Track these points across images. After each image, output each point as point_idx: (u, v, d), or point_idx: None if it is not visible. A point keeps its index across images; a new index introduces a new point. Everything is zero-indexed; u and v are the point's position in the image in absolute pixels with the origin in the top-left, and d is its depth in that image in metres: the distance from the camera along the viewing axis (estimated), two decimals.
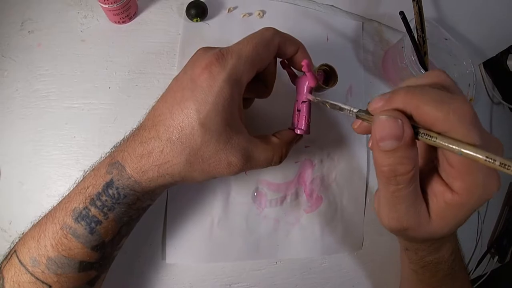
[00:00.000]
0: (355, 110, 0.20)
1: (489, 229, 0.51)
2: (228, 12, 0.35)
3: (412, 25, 0.36)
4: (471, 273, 0.49)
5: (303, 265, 0.34)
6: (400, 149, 0.16)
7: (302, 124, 0.26)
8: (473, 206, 0.18)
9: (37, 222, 0.24)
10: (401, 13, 0.33)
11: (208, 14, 0.34)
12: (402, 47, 0.36)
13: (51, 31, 0.35)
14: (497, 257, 0.51)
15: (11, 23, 0.36)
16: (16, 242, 0.24)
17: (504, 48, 0.49)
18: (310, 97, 0.26)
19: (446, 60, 0.42)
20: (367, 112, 0.19)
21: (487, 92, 0.53)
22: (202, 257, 0.31)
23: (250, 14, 0.36)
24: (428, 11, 0.41)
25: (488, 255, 0.51)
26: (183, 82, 0.22)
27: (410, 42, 0.35)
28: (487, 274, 0.52)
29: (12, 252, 0.23)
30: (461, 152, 0.15)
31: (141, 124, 0.24)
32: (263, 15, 0.36)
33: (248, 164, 0.23)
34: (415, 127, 0.17)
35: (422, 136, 0.16)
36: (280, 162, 0.25)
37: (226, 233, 0.31)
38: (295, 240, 0.33)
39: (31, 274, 0.21)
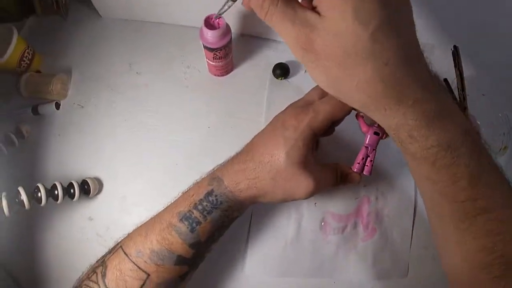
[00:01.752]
0: None
1: None
2: (305, 72, 0.43)
3: (454, 85, 0.43)
4: None
5: (355, 286, 0.39)
6: None
7: (354, 164, 0.31)
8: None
9: (144, 223, 0.30)
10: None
11: (290, 73, 0.42)
12: None
13: (158, 76, 0.43)
14: None
15: (120, 62, 0.44)
16: (121, 240, 0.30)
17: None
18: None
19: (483, 113, 0.48)
20: None
21: None
22: (275, 270, 0.37)
23: None
24: (468, 70, 0.47)
25: None
26: (276, 125, 0.29)
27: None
28: None
29: (118, 246, 0.29)
30: None
31: (239, 151, 0.31)
32: None
33: (319, 186, 0.29)
34: None
35: None
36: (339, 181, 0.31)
37: (296, 252, 0.38)
38: (352, 264, 0.39)
39: (134, 263, 0.27)
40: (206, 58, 0.39)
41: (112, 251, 0.29)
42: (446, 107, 0.21)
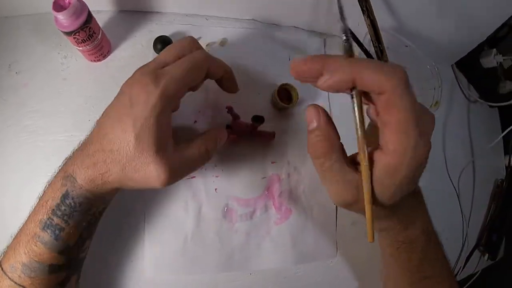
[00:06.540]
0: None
1: (475, 228, 0.51)
2: None
3: (368, 37, 0.38)
4: (460, 271, 0.49)
5: (277, 275, 0.35)
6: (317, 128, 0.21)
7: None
8: (407, 167, 0.20)
9: (15, 235, 0.28)
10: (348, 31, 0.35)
11: None
12: None
13: (36, 71, 0.38)
14: (487, 255, 0.51)
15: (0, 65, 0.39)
16: (2, 256, 0.28)
17: (474, 46, 0.49)
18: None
19: (410, 66, 0.43)
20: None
21: (462, 91, 0.54)
22: (178, 269, 0.33)
23: (213, 43, 0.38)
24: (387, 21, 0.42)
25: (478, 253, 0.51)
26: (123, 100, 0.25)
27: (364, 55, 0.37)
28: (479, 273, 0.51)
29: None
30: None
31: (87, 138, 0.27)
32: (225, 43, 0.39)
33: (176, 174, 0.26)
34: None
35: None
36: (208, 157, 0.28)
37: (200, 247, 0.34)
38: (267, 251, 0.35)
39: (10, 279, 0.25)
40: (73, 44, 0.34)
41: None
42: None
